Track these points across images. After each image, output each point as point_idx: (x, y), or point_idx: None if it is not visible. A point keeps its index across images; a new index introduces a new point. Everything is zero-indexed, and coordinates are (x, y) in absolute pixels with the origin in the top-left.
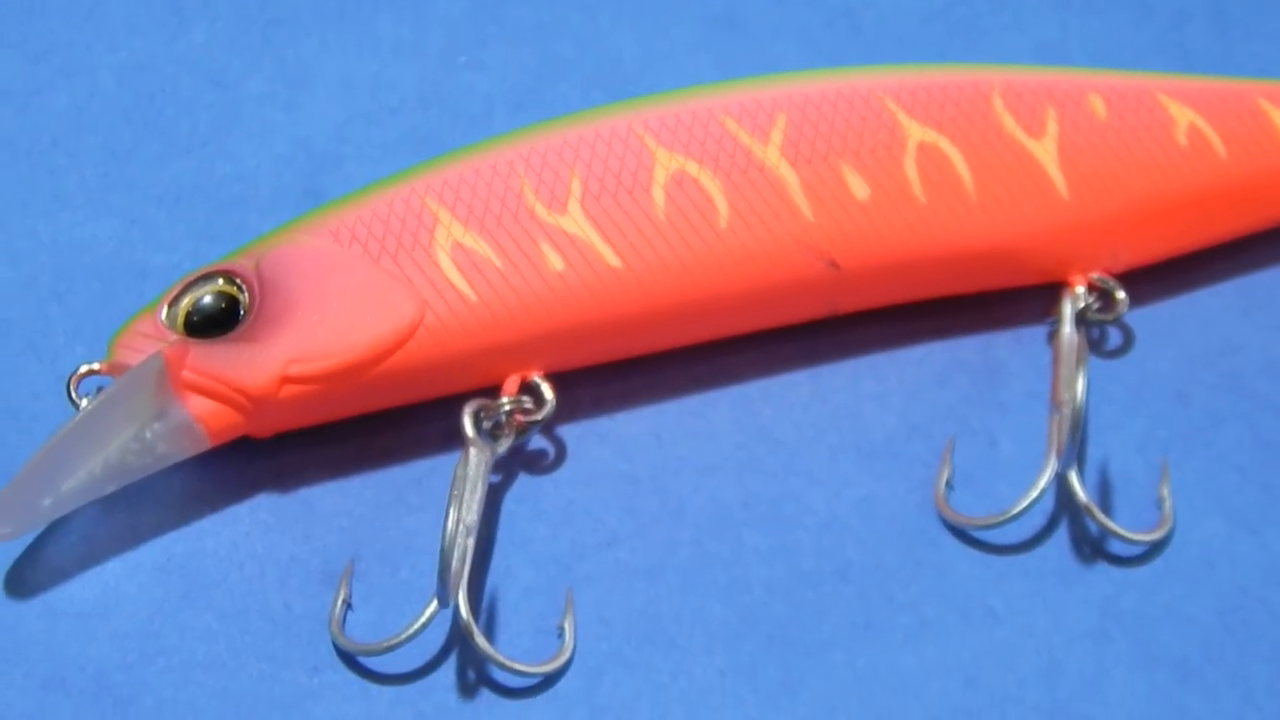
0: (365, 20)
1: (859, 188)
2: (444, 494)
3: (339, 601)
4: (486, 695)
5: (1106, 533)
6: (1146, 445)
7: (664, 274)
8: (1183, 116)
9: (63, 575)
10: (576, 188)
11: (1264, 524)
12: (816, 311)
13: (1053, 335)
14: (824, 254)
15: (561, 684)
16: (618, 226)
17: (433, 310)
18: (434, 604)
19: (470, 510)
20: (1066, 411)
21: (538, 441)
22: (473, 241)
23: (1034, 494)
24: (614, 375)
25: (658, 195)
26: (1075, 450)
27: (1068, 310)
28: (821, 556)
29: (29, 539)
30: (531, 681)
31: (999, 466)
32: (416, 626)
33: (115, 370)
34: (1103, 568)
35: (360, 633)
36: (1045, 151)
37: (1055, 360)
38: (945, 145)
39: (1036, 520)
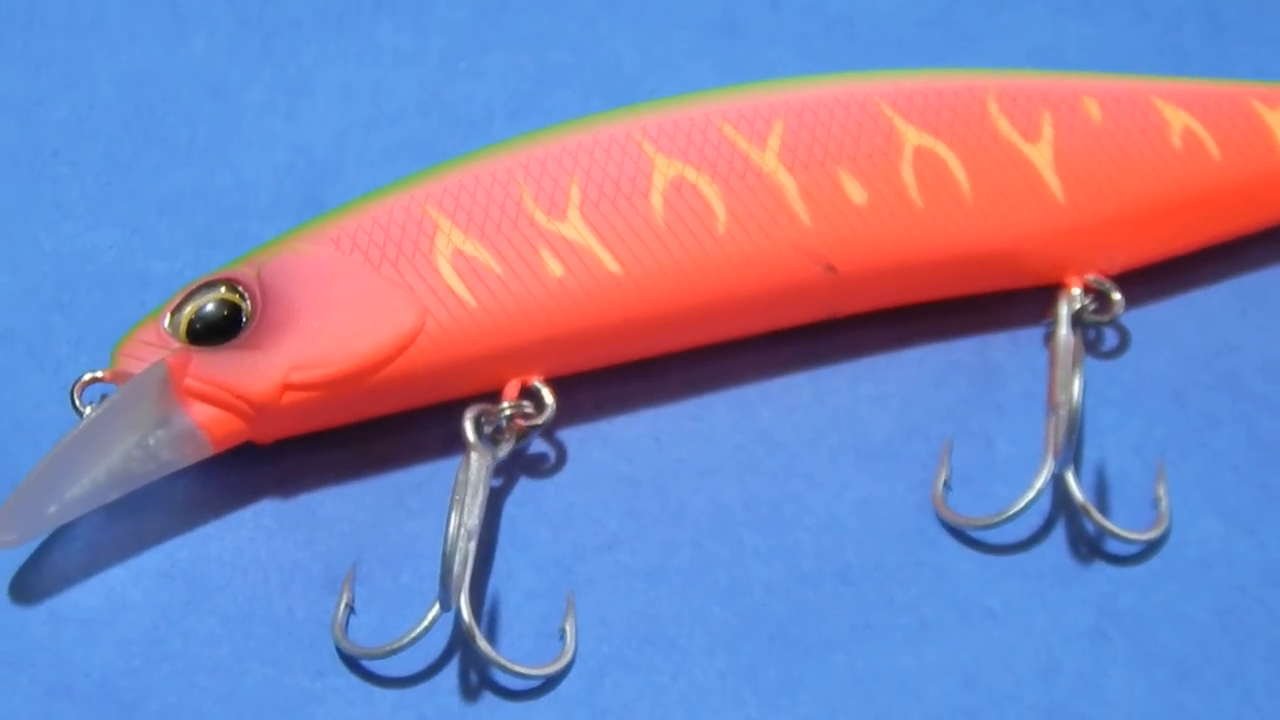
0: (365, 28)
1: (856, 192)
2: (445, 498)
3: (342, 606)
4: (488, 698)
5: (1104, 532)
6: (1143, 445)
7: (663, 279)
8: (1177, 119)
9: (67, 581)
10: (576, 194)
11: (1261, 523)
12: (815, 315)
13: (1049, 337)
14: (821, 258)
15: (563, 686)
16: (617, 232)
17: (433, 317)
18: (436, 607)
19: (471, 514)
20: (1063, 412)
21: (538, 445)
22: (473, 248)
23: (1031, 494)
24: (614, 379)
25: (656, 201)
26: (1072, 451)
27: (1064, 312)
28: (821, 557)
29: (34, 546)
30: (533, 684)
31: (996, 467)
32: (419, 630)
33: (118, 378)
34: (1100, 567)
35: (363, 637)
36: (1041, 155)
37: (1052, 361)
38: (942, 150)
39: (1034, 520)
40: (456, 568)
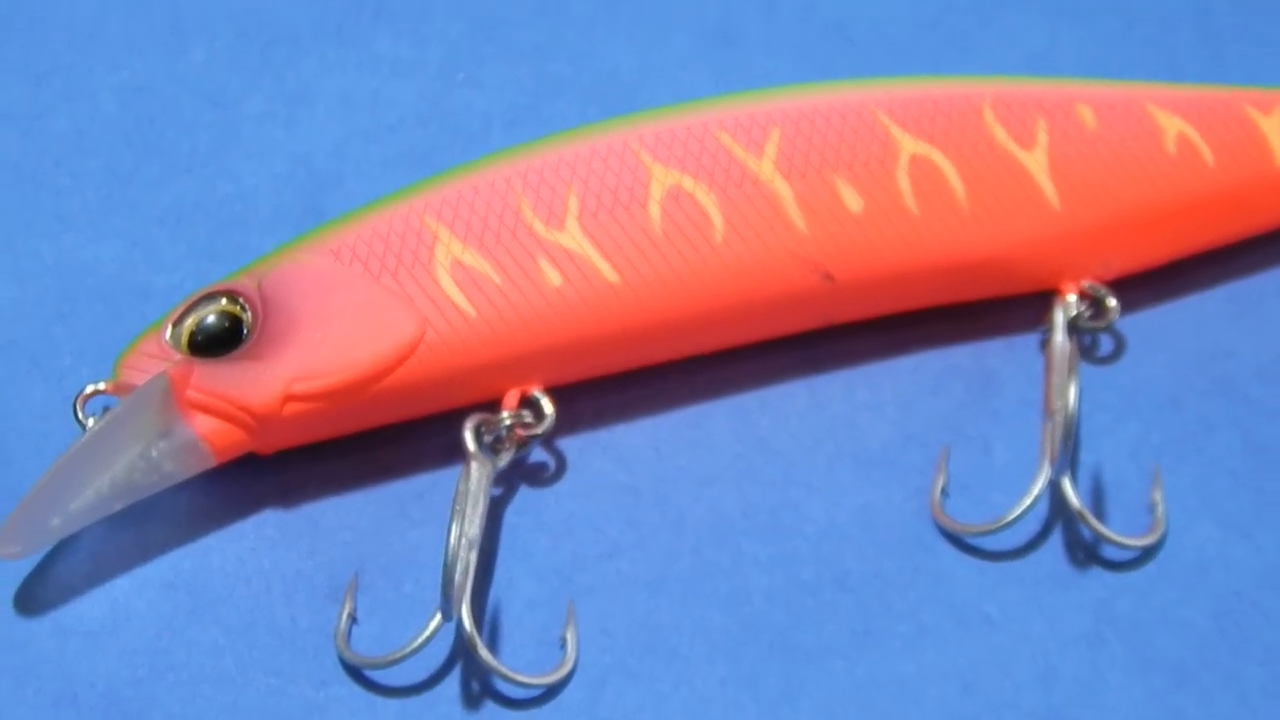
0: (364, 39)
1: (852, 200)
2: (446, 508)
3: (344, 615)
4: (490, 707)
5: (1100, 538)
6: (1139, 451)
7: (661, 288)
8: (1171, 125)
9: (72, 593)
10: (574, 204)
11: (1257, 528)
12: (812, 322)
13: (1045, 343)
14: (818, 266)
15: (564, 695)
16: (615, 242)
17: (433, 327)
18: (438, 617)
19: (472, 524)
20: (1059, 418)
21: (538, 454)
22: (472, 258)
23: (1028, 500)
24: (613, 388)
25: (654, 210)
26: (1068, 456)
27: (1059, 318)
28: (820, 565)
29: (38, 557)
30: (535, 693)
31: (993, 474)
32: (421, 639)
33: (121, 390)
34: (1097, 573)
35: (365, 646)
36: (1036, 162)
37: (1047, 368)
38: (937, 157)
39: (1031, 526)
40: (458, 577)
